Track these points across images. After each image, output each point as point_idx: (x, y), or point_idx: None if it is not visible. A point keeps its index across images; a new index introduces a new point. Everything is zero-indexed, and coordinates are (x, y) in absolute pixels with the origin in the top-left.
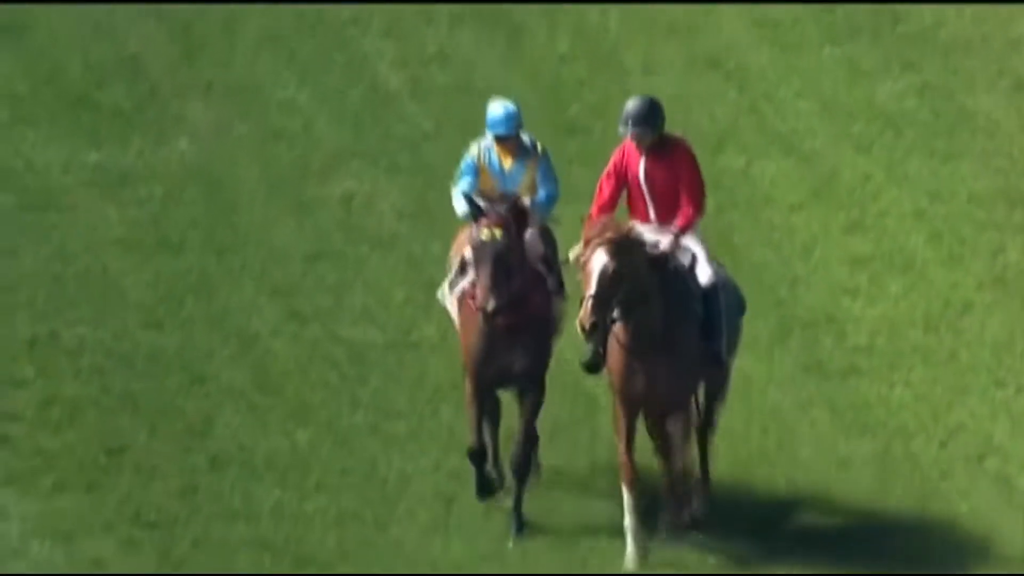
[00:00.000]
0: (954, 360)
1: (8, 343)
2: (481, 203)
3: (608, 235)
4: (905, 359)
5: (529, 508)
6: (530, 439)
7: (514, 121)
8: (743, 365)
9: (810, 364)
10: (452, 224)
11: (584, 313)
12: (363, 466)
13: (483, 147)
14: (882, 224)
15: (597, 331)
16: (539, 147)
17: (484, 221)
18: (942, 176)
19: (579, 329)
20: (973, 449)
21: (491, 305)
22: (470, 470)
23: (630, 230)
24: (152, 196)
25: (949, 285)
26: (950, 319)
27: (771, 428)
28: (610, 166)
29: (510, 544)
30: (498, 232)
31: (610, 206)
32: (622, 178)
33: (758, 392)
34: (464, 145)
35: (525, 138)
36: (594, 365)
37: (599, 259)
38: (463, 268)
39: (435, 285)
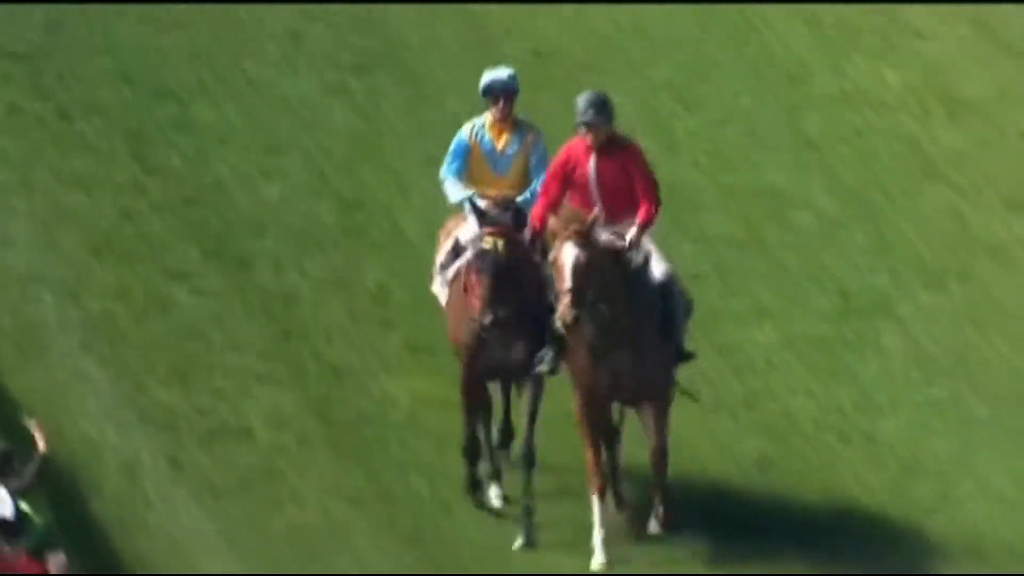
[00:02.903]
0: None
1: None
2: (484, 209)
3: (574, 227)
4: None
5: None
6: (533, 437)
7: (516, 82)
8: None
9: None
10: None
11: (564, 308)
12: (216, 8)
13: (476, 127)
14: None
15: (579, 324)
16: (535, 129)
17: (487, 230)
18: None
19: (560, 325)
20: None
21: (487, 319)
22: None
23: (593, 222)
24: None
25: None
26: None
27: None
28: (554, 167)
29: (517, 544)
30: (500, 243)
31: (556, 207)
32: (568, 179)
33: None
34: None
35: (521, 117)
36: (554, 370)
37: (569, 252)
38: (456, 251)
39: None
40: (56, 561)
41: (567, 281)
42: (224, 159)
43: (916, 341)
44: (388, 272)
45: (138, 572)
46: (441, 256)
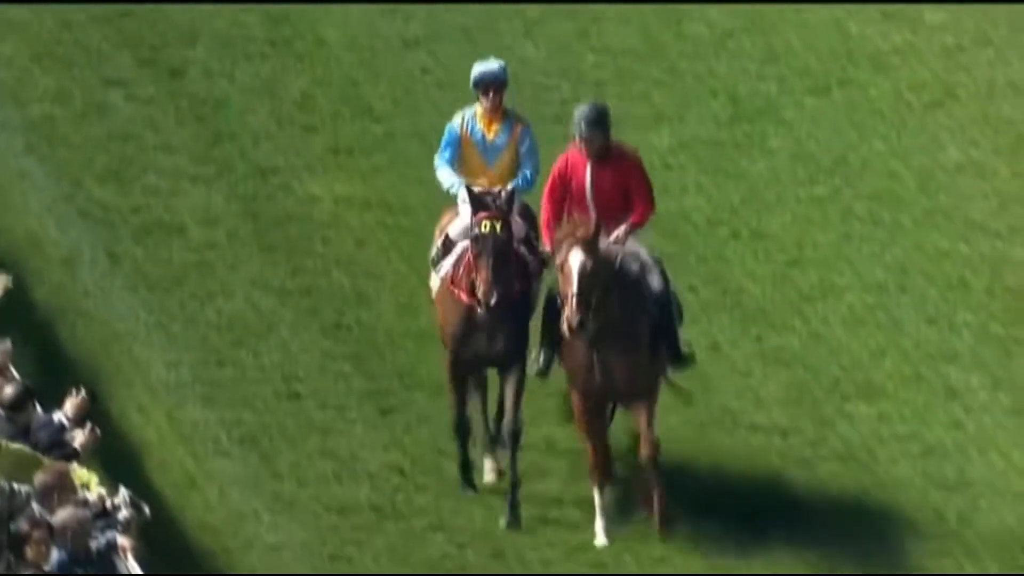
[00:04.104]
0: None
1: None
2: (478, 195)
3: (580, 234)
4: None
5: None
6: (518, 419)
7: (506, 74)
8: None
9: None
10: None
11: (571, 312)
12: None
13: (466, 117)
14: None
15: (584, 328)
16: (523, 119)
17: (483, 214)
18: None
19: (566, 330)
20: None
21: (494, 299)
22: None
23: (597, 226)
24: None
25: None
26: None
27: None
28: (553, 178)
29: (502, 524)
30: (498, 225)
31: (559, 218)
32: (566, 188)
33: None
34: None
35: (509, 107)
36: (545, 372)
37: (576, 258)
38: (446, 247)
39: None
40: (1, 348)
41: (574, 286)
42: None
43: (801, 142)
44: (312, 81)
45: (76, 356)
46: (434, 251)
